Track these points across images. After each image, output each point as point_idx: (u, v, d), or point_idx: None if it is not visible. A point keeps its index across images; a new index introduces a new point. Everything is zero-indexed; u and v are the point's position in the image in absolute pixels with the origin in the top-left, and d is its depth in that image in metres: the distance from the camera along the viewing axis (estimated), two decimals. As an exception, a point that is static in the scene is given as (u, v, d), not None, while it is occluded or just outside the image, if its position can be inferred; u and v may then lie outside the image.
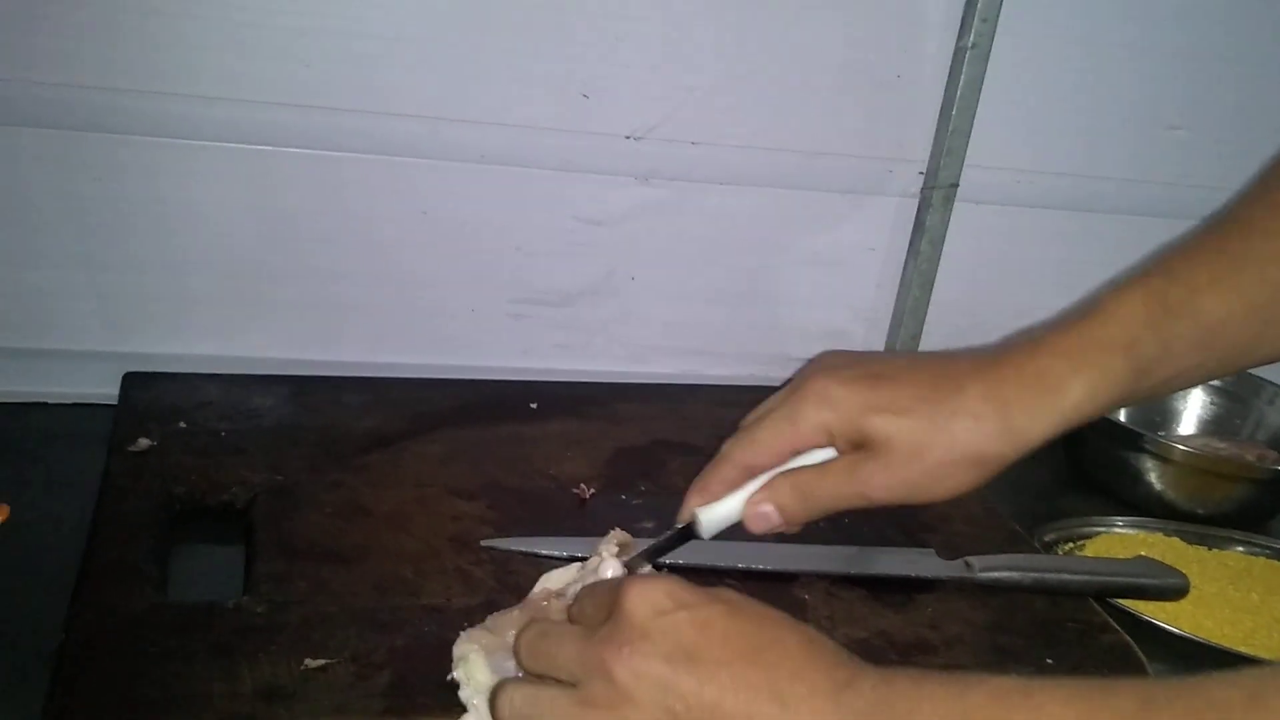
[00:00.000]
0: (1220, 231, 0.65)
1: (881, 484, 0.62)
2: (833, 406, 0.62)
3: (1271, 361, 0.68)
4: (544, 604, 0.61)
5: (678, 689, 0.50)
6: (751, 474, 0.63)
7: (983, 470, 0.62)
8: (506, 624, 0.59)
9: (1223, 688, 0.40)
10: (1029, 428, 0.61)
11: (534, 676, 0.55)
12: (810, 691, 0.49)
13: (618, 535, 0.64)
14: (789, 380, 0.64)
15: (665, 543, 0.64)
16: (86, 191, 0.87)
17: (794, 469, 0.63)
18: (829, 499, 0.63)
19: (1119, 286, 0.63)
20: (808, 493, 0.63)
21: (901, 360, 0.66)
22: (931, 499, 0.63)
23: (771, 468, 0.63)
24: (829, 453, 0.63)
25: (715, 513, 0.63)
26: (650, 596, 0.52)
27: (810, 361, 0.66)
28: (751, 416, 0.65)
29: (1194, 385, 0.67)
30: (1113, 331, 0.62)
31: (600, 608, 0.55)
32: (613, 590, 0.54)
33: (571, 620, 0.58)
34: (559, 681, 0.53)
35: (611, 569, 0.61)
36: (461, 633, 0.59)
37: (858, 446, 0.62)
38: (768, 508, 0.62)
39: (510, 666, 0.57)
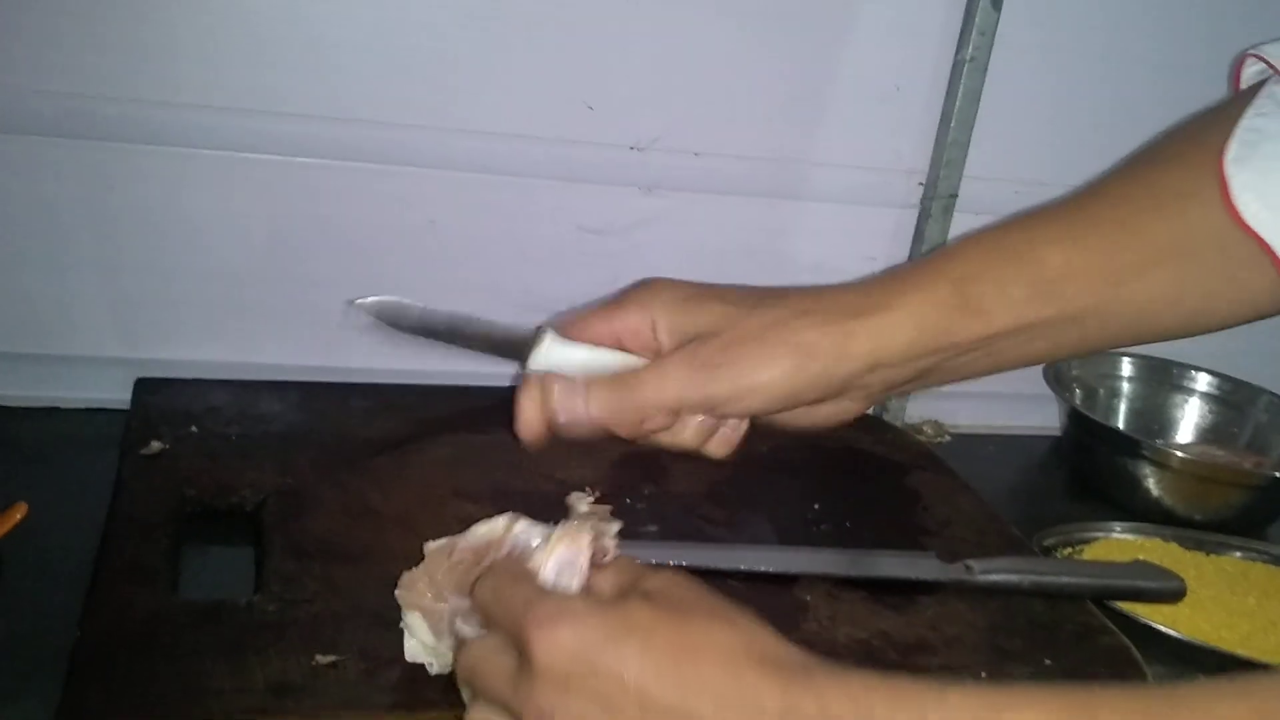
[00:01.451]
0: (1074, 197, 0.66)
1: (708, 362, 0.60)
2: (663, 297, 0.63)
3: (1142, 340, 0.68)
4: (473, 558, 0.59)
5: None
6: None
7: (801, 361, 0.60)
8: (444, 573, 0.59)
9: (1228, 702, 0.38)
10: (848, 329, 0.61)
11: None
12: None
13: (586, 506, 0.62)
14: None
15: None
16: (100, 200, 0.88)
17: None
18: (652, 390, 0.61)
19: (966, 236, 0.65)
20: (631, 384, 0.61)
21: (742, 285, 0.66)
22: (757, 392, 0.61)
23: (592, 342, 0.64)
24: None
25: (561, 347, 0.64)
26: (558, 653, 0.48)
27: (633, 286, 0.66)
28: None
29: (1058, 354, 0.67)
30: (946, 264, 0.63)
31: (506, 617, 0.52)
32: (519, 610, 0.51)
33: (475, 598, 0.56)
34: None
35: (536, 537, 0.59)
36: (400, 588, 0.59)
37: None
38: (579, 394, 0.61)
39: (444, 627, 0.58)
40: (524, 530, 0.59)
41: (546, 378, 0.63)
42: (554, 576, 0.56)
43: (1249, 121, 0.63)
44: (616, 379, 0.62)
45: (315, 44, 0.88)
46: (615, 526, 0.59)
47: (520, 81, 0.93)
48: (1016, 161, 1.08)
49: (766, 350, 0.61)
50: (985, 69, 1.01)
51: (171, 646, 0.61)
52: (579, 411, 0.61)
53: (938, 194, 1.05)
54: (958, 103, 1.02)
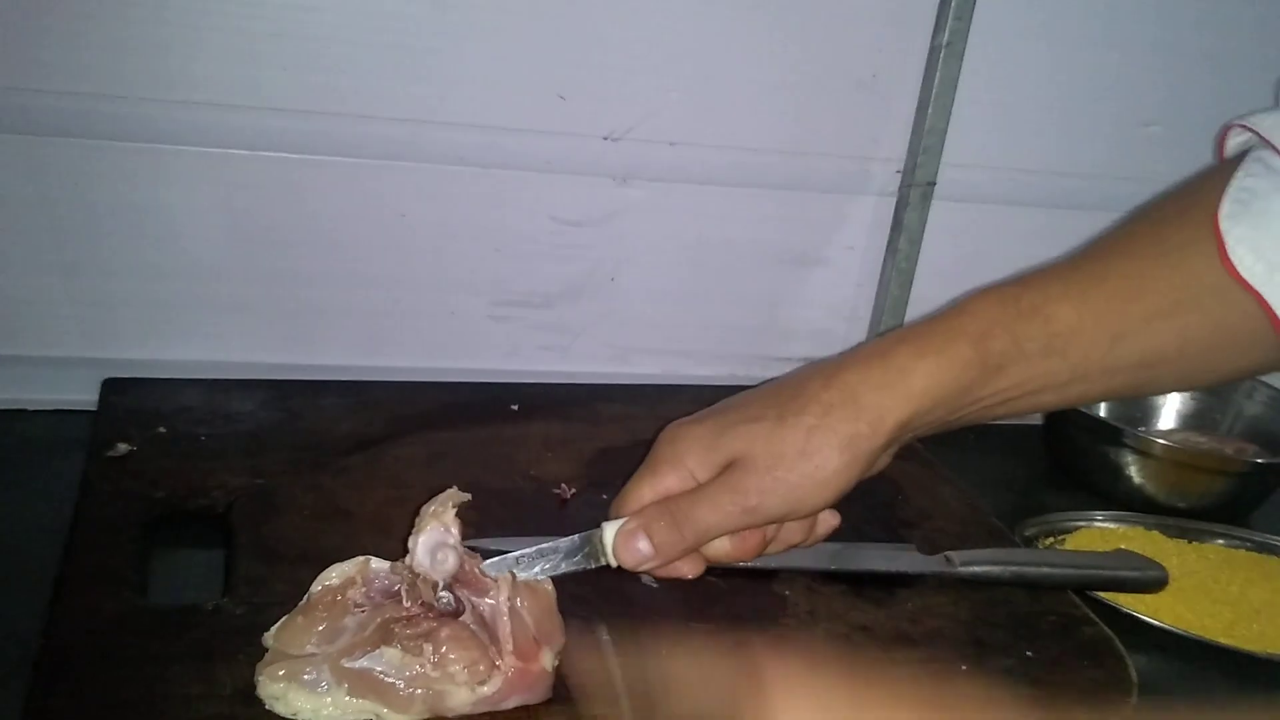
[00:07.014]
0: (1080, 253, 0.69)
1: (758, 489, 0.64)
2: (687, 442, 0.66)
3: (1143, 394, 0.72)
4: (333, 601, 0.60)
5: None
6: None
7: (850, 455, 0.64)
8: (296, 636, 0.59)
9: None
10: (879, 406, 0.64)
11: None
12: None
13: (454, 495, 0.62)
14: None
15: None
16: (61, 197, 0.87)
17: (666, 498, 0.66)
18: (708, 522, 0.65)
19: (976, 292, 0.67)
20: (683, 517, 0.65)
21: (749, 391, 0.70)
22: (816, 499, 0.65)
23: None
24: None
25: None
26: None
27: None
28: None
29: (1063, 403, 0.71)
30: (964, 322, 0.66)
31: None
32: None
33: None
34: None
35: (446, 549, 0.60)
36: (258, 672, 0.58)
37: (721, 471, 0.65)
38: (639, 538, 0.65)
39: (322, 676, 0.57)
40: (377, 568, 0.62)
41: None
42: (428, 560, 0.59)
43: (1240, 182, 0.65)
44: (671, 519, 0.65)
45: (283, 36, 0.87)
46: (465, 496, 0.61)
47: (491, 72, 0.92)
48: (994, 148, 1.07)
49: (814, 462, 0.64)
50: (962, 55, 1.00)
51: (138, 652, 0.60)
52: (643, 555, 0.66)
53: (916, 181, 1.04)
54: (935, 90, 1.01)
